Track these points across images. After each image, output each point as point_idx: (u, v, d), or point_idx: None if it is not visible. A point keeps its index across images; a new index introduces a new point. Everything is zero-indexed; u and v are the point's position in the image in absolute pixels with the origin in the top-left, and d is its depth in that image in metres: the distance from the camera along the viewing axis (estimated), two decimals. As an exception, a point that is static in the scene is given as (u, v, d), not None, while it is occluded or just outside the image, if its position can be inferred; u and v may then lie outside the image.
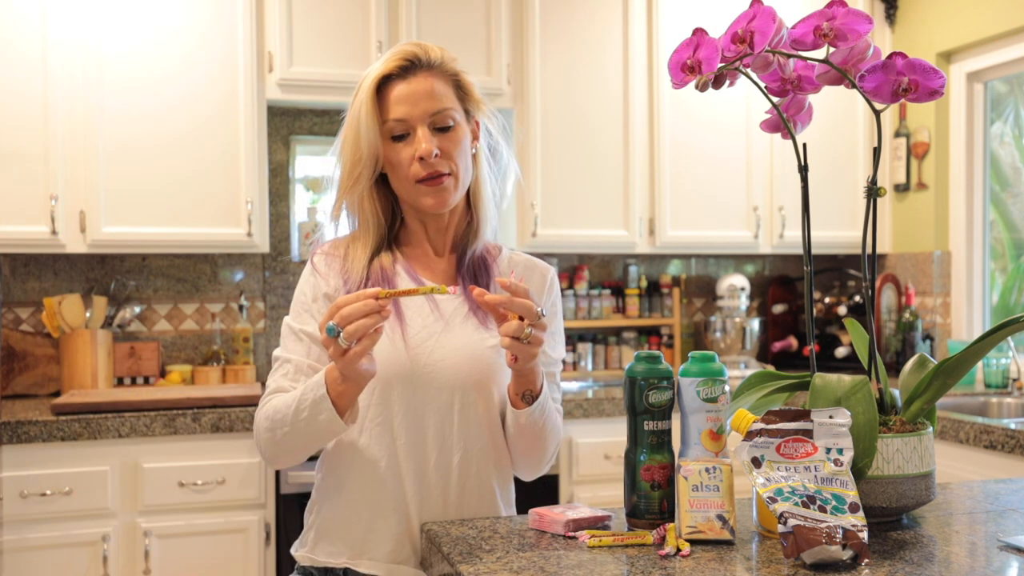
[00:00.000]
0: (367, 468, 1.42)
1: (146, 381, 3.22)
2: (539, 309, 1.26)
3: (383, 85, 1.42)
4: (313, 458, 1.49)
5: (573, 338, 3.74)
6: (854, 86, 1.22)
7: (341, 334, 1.21)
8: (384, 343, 1.39)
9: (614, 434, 3.08)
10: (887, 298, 3.79)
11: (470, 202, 1.52)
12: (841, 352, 3.76)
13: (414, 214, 1.50)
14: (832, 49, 1.23)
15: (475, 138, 1.50)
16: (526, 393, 1.39)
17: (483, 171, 1.52)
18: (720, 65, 1.23)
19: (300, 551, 1.49)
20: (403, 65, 1.42)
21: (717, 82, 1.25)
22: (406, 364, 1.40)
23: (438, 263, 1.52)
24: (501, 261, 1.55)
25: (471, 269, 1.51)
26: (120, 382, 3.20)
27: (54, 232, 2.90)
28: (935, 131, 3.67)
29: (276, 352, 1.47)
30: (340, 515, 1.44)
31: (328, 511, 1.46)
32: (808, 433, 1.20)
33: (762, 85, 1.29)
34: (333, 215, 1.49)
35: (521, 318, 1.26)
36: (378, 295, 1.22)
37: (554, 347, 1.55)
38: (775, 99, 1.30)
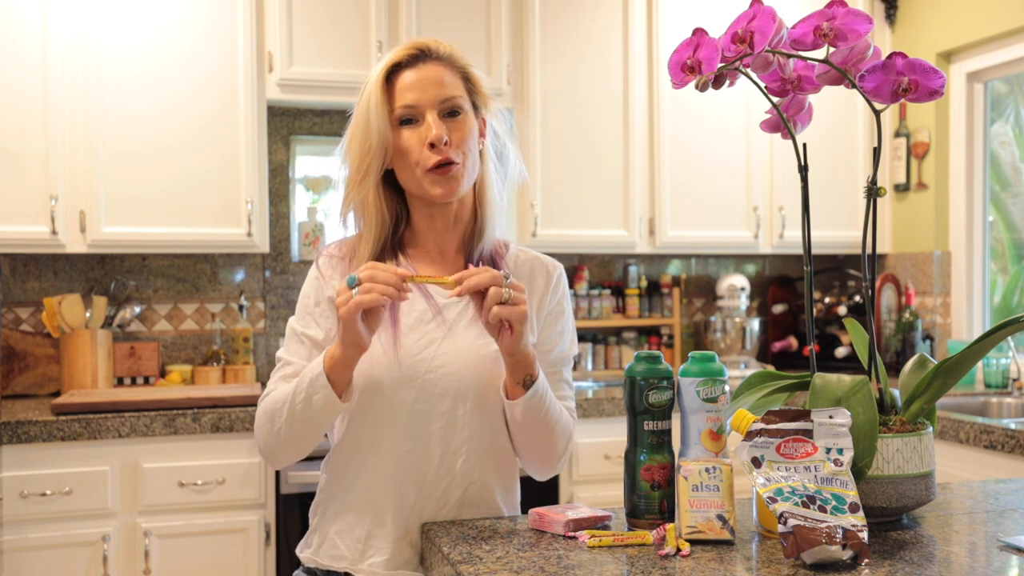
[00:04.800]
0: (370, 473, 1.42)
1: (146, 381, 3.22)
2: (503, 272, 1.28)
3: (392, 75, 1.43)
4: (315, 458, 1.49)
5: (573, 338, 3.73)
6: (854, 86, 1.22)
7: (357, 288, 1.25)
8: (386, 350, 1.40)
9: (614, 434, 3.08)
10: (887, 298, 3.79)
11: (475, 201, 1.51)
12: (841, 352, 3.76)
13: (422, 209, 1.49)
14: (832, 49, 1.23)
15: (482, 135, 1.49)
16: (526, 378, 1.36)
17: (489, 170, 1.50)
18: (720, 65, 1.23)
19: (304, 552, 1.49)
20: (413, 54, 1.43)
21: (717, 82, 1.25)
22: (409, 371, 1.40)
23: (444, 265, 1.50)
24: (509, 260, 1.54)
25: None
26: (120, 382, 3.20)
27: (54, 232, 2.90)
28: (935, 131, 3.67)
29: (279, 352, 1.47)
30: (342, 519, 1.44)
31: (331, 515, 1.46)
32: (808, 433, 1.20)
33: (762, 85, 1.29)
34: (341, 214, 1.48)
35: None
36: (405, 277, 1.26)
37: (562, 345, 1.54)
38: (775, 99, 1.30)
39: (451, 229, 1.50)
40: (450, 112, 1.43)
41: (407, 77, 1.42)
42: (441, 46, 1.45)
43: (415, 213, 1.50)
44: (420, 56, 1.43)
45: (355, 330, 1.27)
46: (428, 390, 1.41)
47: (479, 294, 1.28)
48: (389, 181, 1.48)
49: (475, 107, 1.48)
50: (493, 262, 1.52)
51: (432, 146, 1.39)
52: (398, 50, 1.43)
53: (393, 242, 1.50)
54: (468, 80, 1.48)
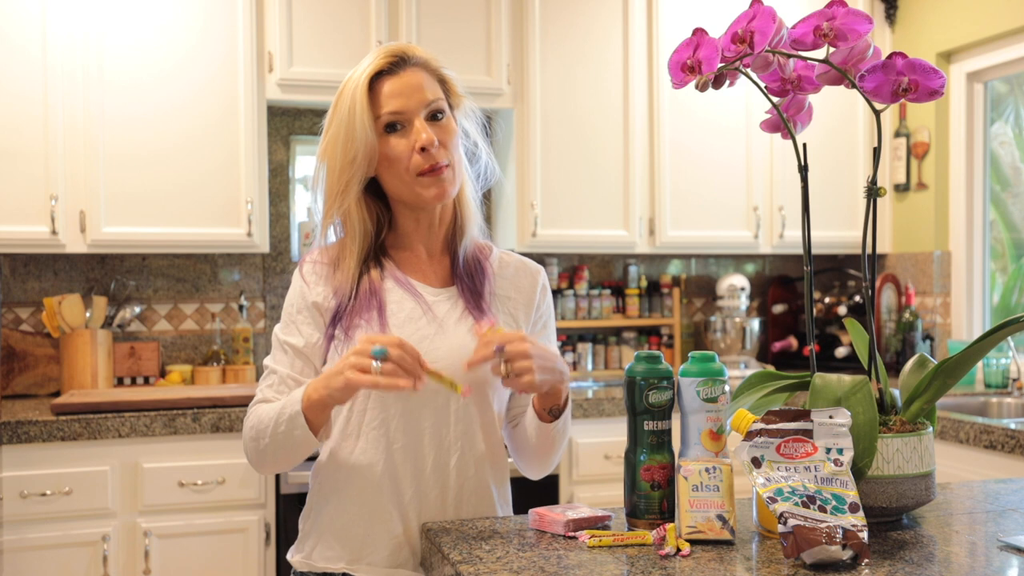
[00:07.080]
0: (364, 471, 1.42)
1: (146, 381, 3.22)
2: (496, 349, 1.29)
3: (373, 83, 1.43)
4: (310, 459, 1.49)
5: (573, 338, 3.74)
6: (854, 86, 1.22)
7: (380, 364, 1.24)
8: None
9: (614, 434, 3.08)
10: (887, 298, 3.79)
11: (455, 200, 1.52)
12: (841, 352, 3.76)
13: (407, 213, 1.49)
14: (832, 49, 1.23)
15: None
16: (552, 408, 1.42)
17: (465, 169, 1.53)
18: (720, 65, 1.23)
19: (296, 556, 1.49)
20: (392, 61, 1.44)
21: (717, 82, 1.25)
22: None
23: (430, 265, 1.51)
24: (493, 261, 1.56)
25: (466, 270, 1.51)
26: (120, 382, 3.20)
27: (54, 232, 2.90)
28: (935, 131, 3.67)
29: (266, 360, 1.48)
30: (337, 519, 1.44)
31: (325, 516, 1.46)
32: (808, 433, 1.20)
33: (762, 85, 1.29)
34: (323, 226, 1.48)
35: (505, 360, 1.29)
36: (428, 371, 1.28)
37: (551, 349, 1.55)
38: (775, 99, 1.30)
39: (436, 230, 1.52)
40: (434, 115, 1.44)
41: (390, 84, 1.42)
42: (417, 51, 1.47)
43: (400, 217, 1.51)
44: (399, 63, 1.44)
45: (352, 394, 1.30)
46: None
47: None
48: (368, 188, 1.48)
49: (451, 108, 1.50)
50: (477, 262, 1.54)
51: (423, 150, 1.40)
52: (376, 58, 1.44)
53: (376, 248, 1.50)
54: (444, 82, 1.49)
